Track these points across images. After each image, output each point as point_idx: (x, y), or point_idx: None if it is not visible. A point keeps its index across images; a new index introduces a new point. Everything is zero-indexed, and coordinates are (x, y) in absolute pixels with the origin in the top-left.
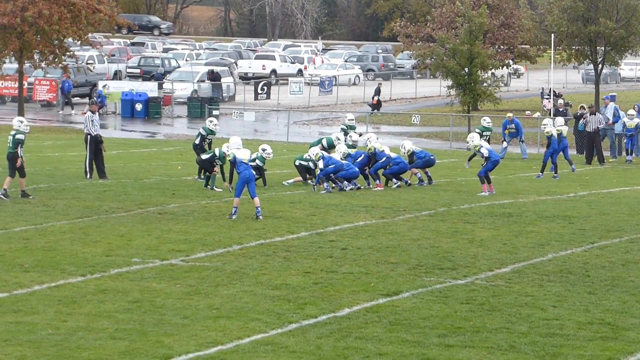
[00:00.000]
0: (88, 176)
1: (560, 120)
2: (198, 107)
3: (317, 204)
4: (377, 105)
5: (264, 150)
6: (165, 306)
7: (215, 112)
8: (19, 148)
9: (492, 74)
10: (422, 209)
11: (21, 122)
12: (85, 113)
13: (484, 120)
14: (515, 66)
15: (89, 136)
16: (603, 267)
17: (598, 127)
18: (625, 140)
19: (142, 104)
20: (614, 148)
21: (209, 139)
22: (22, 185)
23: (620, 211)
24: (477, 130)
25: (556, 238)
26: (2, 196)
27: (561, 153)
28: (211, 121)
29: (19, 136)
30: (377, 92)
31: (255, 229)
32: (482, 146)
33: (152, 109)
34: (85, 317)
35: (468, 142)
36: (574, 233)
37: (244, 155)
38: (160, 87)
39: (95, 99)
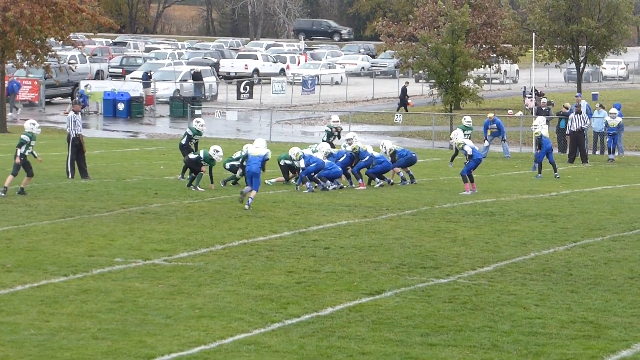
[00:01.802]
0: (70, 176)
1: (540, 119)
2: (180, 106)
3: (299, 204)
4: (404, 104)
5: (216, 151)
6: (147, 306)
7: (197, 112)
8: (23, 148)
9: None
10: (405, 208)
11: (33, 124)
12: (67, 113)
13: (465, 119)
14: (505, 65)
15: (69, 136)
16: (585, 265)
17: (582, 127)
18: (607, 139)
19: (124, 104)
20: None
21: (195, 139)
22: (25, 182)
23: (602, 210)
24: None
25: (538, 237)
26: (13, 192)
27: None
28: (198, 122)
29: (23, 136)
30: (404, 91)
31: (238, 229)
32: (465, 144)
33: (134, 109)
34: (68, 317)
35: (452, 139)
36: (557, 232)
37: (257, 152)
38: (146, 85)
39: (77, 98)
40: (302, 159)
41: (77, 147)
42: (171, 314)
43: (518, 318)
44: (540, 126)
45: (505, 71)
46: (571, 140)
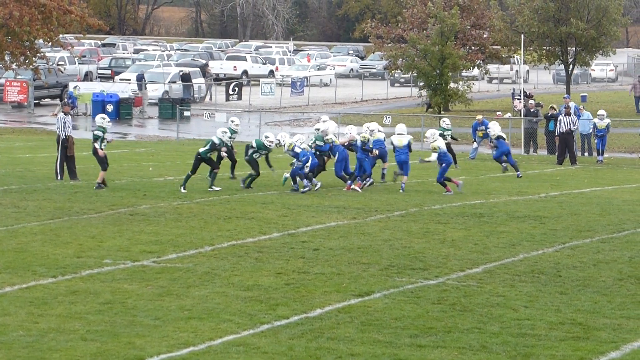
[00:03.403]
0: (59, 177)
1: (432, 132)
2: (169, 108)
3: (289, 205)
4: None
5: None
6: (136, 307)
7: (186, 113)
8: (98, 142)
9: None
10: (394, 210)
11: (103, 118)
12: (56, 114)
13: (443, 121)
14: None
15: (59, 138)
16: (574, 267)
17: (570, 128)
18: (595, 141)
19: (113, 105)
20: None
21: (232, 138)
22: (99, 177)
23: (591, 211)
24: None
25: (527, 238)
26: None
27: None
28: (232, 121)
29: (97, 132)
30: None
31: (227, 230)
32: (440, 148)
33: (123, 110)
34: (57, 318)
35: (427, 138)
36: (545, 233)
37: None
38: (141, 87)
39: (67, 100)
40: (296, 153)
41: (67, 148)
42: (160, 316)
43: (507, 319)
44: (433, 138)
45: (517, 71)
46: (560, 142)
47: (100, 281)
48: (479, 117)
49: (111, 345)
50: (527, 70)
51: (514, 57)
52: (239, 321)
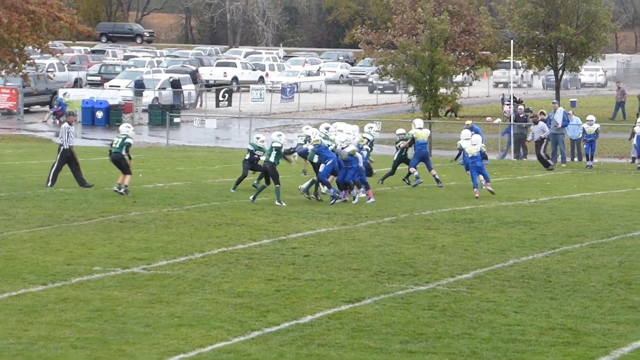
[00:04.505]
0: (49, 184)
1: (476, 138)
2: (159, 114)
3: (279, 211)
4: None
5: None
6: (126, 315)
7: (176, 120)
8: (124, 150)
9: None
10: (384, 216)
11: (129, 127)
12: (46, 121)
13: (370, 127)
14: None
15: (61, 147)
16: (564, 272)
17: (541, 137)
18: (585, 146)
19: (102, 112)
20: (564, 153)
21: (257, 155)
22: (126, 180)
23: (581, 217)
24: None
25: (517, 244)
26: (123, 192)
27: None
28: (258, 138)
29: (128, 140)
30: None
31: (218, 237)
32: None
33: (113, 117)
34: (47, 326)
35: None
36: (535, 239)
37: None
38: (139, 94)
39: (55, 107)
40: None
41: (69, 158)
42: (150, 323)
43: (497, 325)
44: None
45: (522, 75)
46: (536, 149)
47: (90, 288)
48: (469, 122)
49: (101, 352)
50: (532, 75)
51: (519, 62)
52: (230, 328)
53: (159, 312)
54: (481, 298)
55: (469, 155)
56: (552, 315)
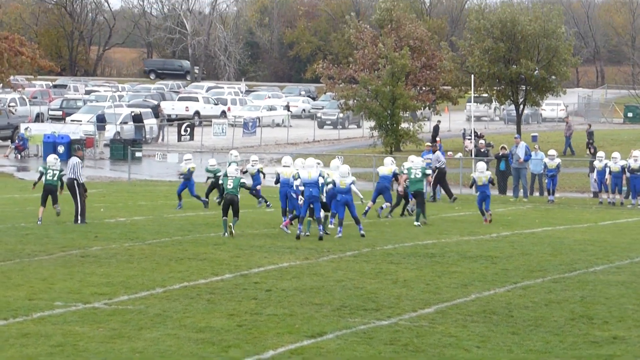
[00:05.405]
0: (80, 221)
1: (481, 165)
2: (121, 149)
3: (241, 246)
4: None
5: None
6: (88, 350)
7: (138, 154)
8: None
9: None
10: (346, 250)
11: (56, 159)
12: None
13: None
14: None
15: (75, 182)
16: (526, 307)
17: (437, 166)
18: (546, 181)
19: (64, 146)
20: (526, 187)
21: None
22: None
23: (542, 251)
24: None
25: (479, 278)
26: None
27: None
28: (211, 164)
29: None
30: (437, 129)
31: (179, 272)
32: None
33: (74, 151)
34: None
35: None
36: (497, 273)
37: (307, 174)
38: (101, 128)
39: (17, 141)
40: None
41: (79, 189)
42: (112, 358)
43: None
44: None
45: (503, 108)
46: (435, 179)
47: (52, 323)
48: (428, 144)
49: None
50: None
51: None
52: None
53: (120, 347)
54: (443, 333)
55: (479, 184)
56: (514, 350)
